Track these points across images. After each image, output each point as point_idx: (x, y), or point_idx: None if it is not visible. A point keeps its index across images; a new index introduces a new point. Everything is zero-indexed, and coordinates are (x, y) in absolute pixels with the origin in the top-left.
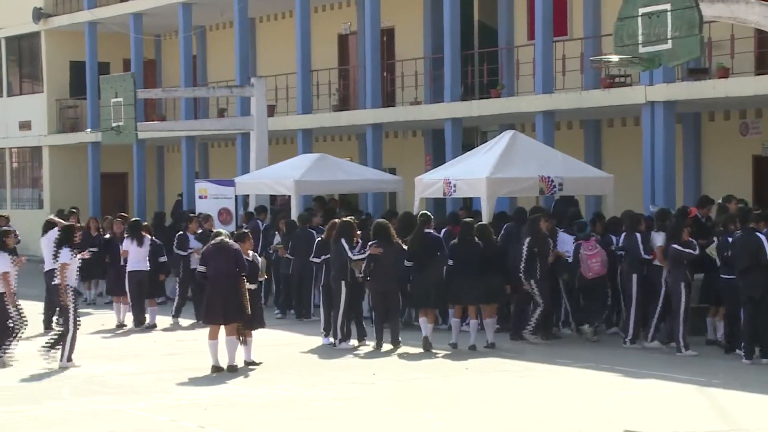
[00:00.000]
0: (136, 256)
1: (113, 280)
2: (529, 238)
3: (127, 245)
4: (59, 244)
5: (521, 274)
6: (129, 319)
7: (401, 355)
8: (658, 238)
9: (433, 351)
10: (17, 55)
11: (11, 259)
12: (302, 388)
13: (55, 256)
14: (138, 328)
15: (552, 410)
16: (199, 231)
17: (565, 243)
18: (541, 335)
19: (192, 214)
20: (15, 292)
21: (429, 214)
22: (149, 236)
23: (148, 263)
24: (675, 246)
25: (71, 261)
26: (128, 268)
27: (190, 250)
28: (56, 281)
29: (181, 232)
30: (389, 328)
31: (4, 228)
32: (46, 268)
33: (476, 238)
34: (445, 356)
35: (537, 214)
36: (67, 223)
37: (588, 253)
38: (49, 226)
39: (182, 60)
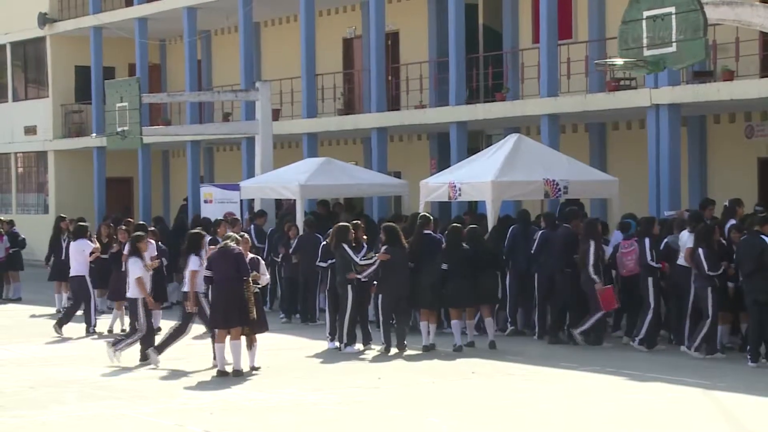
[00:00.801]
0: None
1: (114, 285)
2: (593, 242)
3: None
4: (188, 251)
5: (594, 277)
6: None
7: (407, 359)
8: (690, 240)
9: (438, 350)
10: (22, 60)
11: (143, 264)
12: (308, 392)
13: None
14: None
15: (558, 414)
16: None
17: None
18: (585, 338)
19: (220, 218)
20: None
21: (429, 215)
22: (153, 242)
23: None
24: (700, 252)
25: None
26: None
27: None
28: (133, 294)
29: (210, 237)
30: (396, 331)
31: (138, 233)
32: (73, 273)
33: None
34: (450, 360)
35: (594, 218)
36: (195, 232)
37: (624, 251)
38: (80, 231)
39: (187, 64)
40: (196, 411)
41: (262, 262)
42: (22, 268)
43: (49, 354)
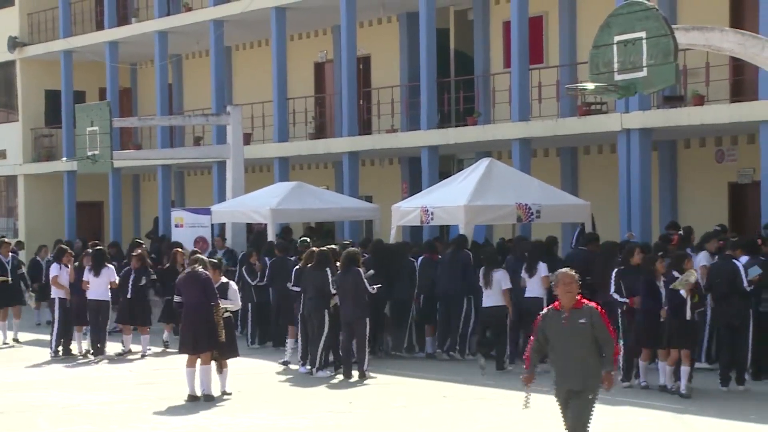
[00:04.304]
0: (95, 286)
1: (123, 309)
2: None
3: (87, 275)
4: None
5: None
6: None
7: (378, 384)
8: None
9: (408, 374)
10: None
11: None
12: (279, 416)
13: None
14: (95, 358)
15: None
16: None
17: None
18: None
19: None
20: None
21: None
22: (112, 266)
23: (109, 293)
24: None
25: None
26: (88, 297)
27: None
28: None
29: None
30: (357, 358)
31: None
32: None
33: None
34: (422, 384)
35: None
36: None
37: None
38: (101, 257)
39: (158, 88)
40: None
41: (233, 286)
42: None
43: (18, 379)
